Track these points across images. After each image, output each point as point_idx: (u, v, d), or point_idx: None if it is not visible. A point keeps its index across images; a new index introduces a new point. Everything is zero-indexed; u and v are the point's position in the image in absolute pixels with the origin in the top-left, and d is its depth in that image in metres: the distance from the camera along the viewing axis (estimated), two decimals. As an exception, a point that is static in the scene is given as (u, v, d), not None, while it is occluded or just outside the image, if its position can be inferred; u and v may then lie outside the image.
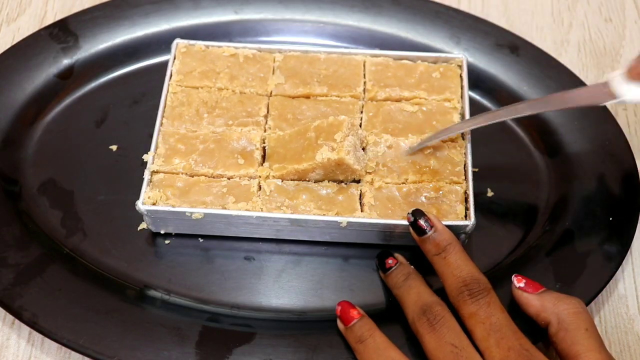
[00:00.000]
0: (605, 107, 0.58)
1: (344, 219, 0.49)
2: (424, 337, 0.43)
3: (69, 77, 0.60)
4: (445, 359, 0.41)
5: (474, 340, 0.43)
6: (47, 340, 0.48)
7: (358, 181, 0.51)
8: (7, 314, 0.48)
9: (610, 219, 0.52)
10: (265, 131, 0.53)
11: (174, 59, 0.57)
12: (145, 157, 0.51)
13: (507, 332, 0.42)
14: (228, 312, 0.49)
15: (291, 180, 0.51)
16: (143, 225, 0.52)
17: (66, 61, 0.60)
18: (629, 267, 0.53)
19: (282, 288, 0.50)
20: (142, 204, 0.49)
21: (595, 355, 0.41)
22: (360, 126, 0.54)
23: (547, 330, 0.44)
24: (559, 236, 0.52)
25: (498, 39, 0.62)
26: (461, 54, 0.58)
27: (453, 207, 0.50)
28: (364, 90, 0.56)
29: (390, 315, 0.48)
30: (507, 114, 0.50)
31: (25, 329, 0.49)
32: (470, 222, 0.49)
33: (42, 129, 0.57)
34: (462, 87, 0.56)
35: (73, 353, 0.47)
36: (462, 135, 0.53)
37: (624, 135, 0.56)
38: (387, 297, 0.49)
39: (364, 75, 0.57)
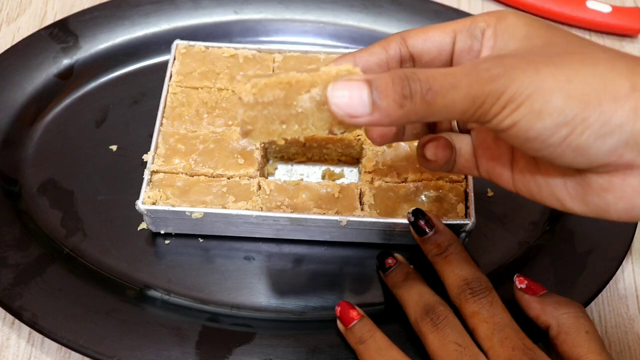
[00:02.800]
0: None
1: (343, 218, 0.49)
2: (427, 336, 0.43)
3: (69, 77, 0.60)
4: (449, 358, 0.41)
5: (477, 339, 0.43)
6: (47, 340, 0.48)
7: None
8: (7, 314, 0.48)
9: (610, 218, 0.52)
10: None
11: (174, 59, 0.57)
12: (145, 157, 0.51)
13: (510, 332, 0.42)
14: (228, 312, 0.49)
15: (272, 102, 0.34)
16: (143, 225, 0.52)
17: (66, 61, 0.60)
18: (629, 267, 0.53)
19: (282, 288, 0.50)
20: (142, 204, 0.49)
21: (597, 357, 0.41)
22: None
23: (548, 333, 0.44)
24: (559, 236, 0.52)
25: (498, 39, 0.62)
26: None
27: (453, 205, 0.50)
28: (364, 90, 0.56)
29: (390, 315, 0.48)
30: None
31: (25, 329, 0.49)
32: (471, 220, 0.49)
33: (42, 129, 0.57)
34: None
35: (73, 353, 0.47)
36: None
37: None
38: (387, 297, 0.49)
39: (364, 75, 0.57)
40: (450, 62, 0.39)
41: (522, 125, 0.32)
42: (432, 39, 0.38)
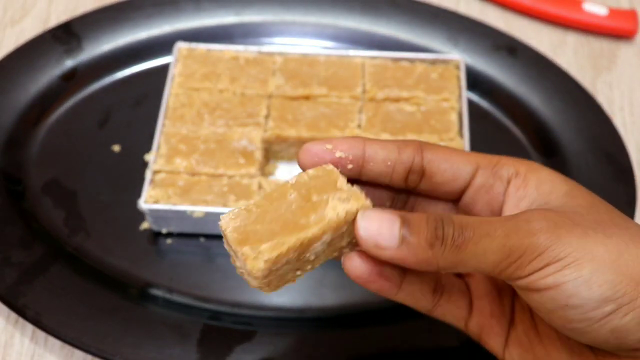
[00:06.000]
0: (601, 108, 0.58)
1: (343, 217, 0.49)
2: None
3: (72, 79, 0.60)
4: None
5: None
6: (50, 338, 0.48)
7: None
8: (11, 312, 0.48)
9: (607, 218, 0.52)
10: (265, 132, 0.54)
11: (176, 61, 0.57)
12: (147, 157, 0.52)
13: None
14: (229, 310, 0.49)
15: (285, 264, 0.32)
16: (145, 225, 0.53)
17: (69, 63, 0.60)
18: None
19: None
20: (144, 203, 0.50)
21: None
22: (360, 126, 0.55)
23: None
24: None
25: (496, 41, 0.62)
26: (459, 55, 0.58)
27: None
28: (363, 91, 0.57)
29: (390, 316, 0.48)
30: None
31: (29, 327, 0.49)
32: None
33: (45, 129, 0.58)
34: (459, 88, 0.56)
35: (76, 351, 0.48)
36: (461, 134, 0.54)
37: (620, 135, 0.57)
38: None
39: (363, 76, 0.57)
40: (461, 193, 0.35)
41: (566, 289, 0.29)
42: (451, 161, 0.34)
